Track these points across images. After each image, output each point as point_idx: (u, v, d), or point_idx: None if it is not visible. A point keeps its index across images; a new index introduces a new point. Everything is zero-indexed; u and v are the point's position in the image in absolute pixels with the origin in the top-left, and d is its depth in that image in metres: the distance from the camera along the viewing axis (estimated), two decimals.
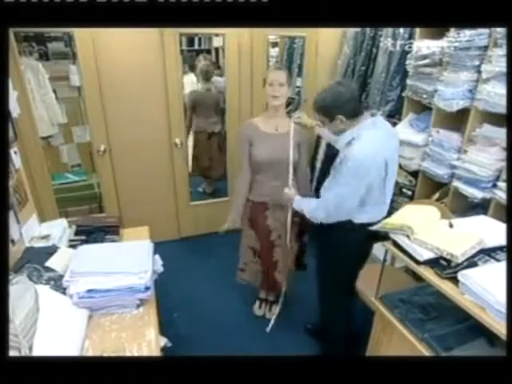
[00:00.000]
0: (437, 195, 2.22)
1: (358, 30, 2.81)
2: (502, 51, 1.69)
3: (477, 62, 1.84)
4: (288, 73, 1.99)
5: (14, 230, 1.51)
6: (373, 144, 1.48)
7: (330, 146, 2.40)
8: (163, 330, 1.51)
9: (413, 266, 1.37)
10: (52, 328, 1.14)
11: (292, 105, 3.93)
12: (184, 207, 3.30)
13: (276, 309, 2.43)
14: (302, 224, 2.16)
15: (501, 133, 1.75)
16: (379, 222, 1.56)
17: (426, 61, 2.12)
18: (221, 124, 3.77)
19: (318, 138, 3.22)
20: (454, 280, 1.24)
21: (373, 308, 1.66)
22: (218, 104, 3.79)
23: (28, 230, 1.66)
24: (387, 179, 1.56)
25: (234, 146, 3.14)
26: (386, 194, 1.63)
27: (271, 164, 2.00)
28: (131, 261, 1.41)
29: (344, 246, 1.71)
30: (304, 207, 1.75)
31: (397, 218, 1.50)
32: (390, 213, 1.63)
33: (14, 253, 1.49)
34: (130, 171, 2.97)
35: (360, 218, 1.63)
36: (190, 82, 4.25)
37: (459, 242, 1.33)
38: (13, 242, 1.50)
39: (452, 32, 1.89)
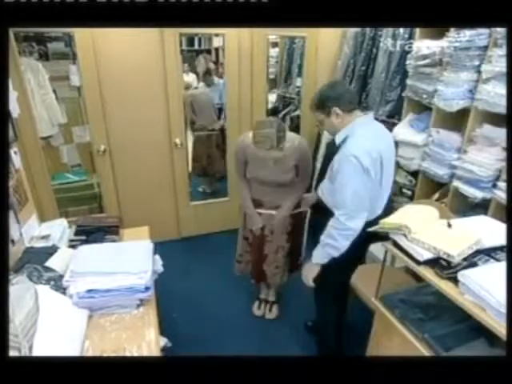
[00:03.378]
0: (437, 195, 2.22)
1: (358, 30, 2.80)
2: (501, 51, 1.69)
3: (477, 62, 1.84)
4: (277, 122, 1.82)
5: (14, 230, 1.51)
6: (366, 139, 1.49)
7: (329, 146, 2.39)
8: (163, 330, 1.51)
9: (413, 266, 1.37)
10: (52, 328, 1.14)
11: (292, 105, 3.93)
12: (184, 207, 3.30)
13: (276, 309, 2.43)
14: (294, 225, 2.17)
15: (501, 133, 1.75)
16: (375, 221, 1.54)
17: (426, 61, 2.12)
18: (219, 122, 3.79)
19: (319, 138, 3.22)
20: (454, 280, 1.23)
21: (373, 308, 1.66)
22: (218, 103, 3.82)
23: (28, 230, 1.66)
24: (383, 177, 1.55)
25: (234, 145, 3.14)
26: (382, 192, 1.63)
27: (265, 182, 2.05)
28: (131, 261, 1.41)
29: None
30: (324, 248, 1.58)
31: (395, 218, 1.50)
32: (389, 213, 1.63)
33: (14, 253, 1.49)
34: (130, 171, 2.97)
35: None
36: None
37: (457, 241, 1.33)
38: (13, 242, 1.50)
39: (452, 32, 1.89)
